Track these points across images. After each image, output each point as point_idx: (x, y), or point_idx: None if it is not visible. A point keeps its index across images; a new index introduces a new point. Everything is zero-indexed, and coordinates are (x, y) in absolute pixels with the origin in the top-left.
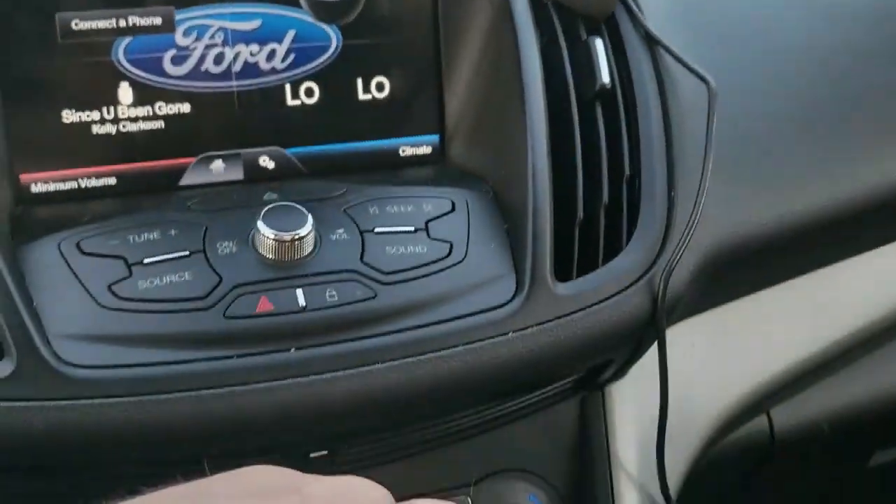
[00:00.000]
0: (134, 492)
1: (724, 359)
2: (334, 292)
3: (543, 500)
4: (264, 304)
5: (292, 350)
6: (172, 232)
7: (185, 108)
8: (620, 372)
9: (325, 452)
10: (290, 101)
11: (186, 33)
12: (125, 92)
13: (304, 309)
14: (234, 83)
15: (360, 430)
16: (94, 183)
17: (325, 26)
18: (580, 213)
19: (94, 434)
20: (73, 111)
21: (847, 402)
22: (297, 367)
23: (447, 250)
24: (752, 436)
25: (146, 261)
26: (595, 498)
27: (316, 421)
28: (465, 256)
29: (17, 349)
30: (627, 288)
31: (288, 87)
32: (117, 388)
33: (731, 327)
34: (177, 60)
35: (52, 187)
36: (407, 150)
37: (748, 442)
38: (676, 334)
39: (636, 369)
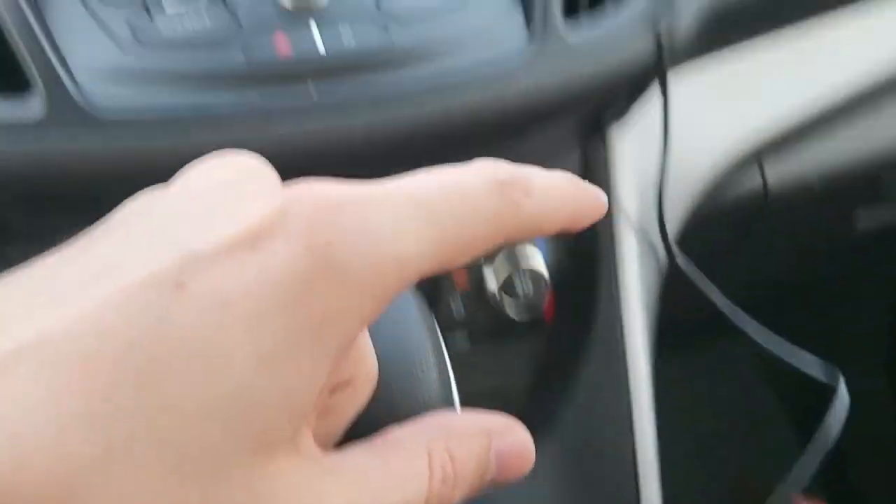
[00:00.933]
0: None
1: (722, 112)
2: (351, 35)
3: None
4: (283, 46)
5: (311, 87)
6: None
7: None
8: (622, 111)
9: None
10: None
11: None
12: None
13: (321, 50)
14: None
15: (379, 168)
16: None
17: None
18: None
19: (124, 173)
20: None
21: (836, 161)
22: (317, 108)
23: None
24: (748, 189)
25: (166, 7)
26: (596, 239)
27: (338, 158)
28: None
29: (45, 87)
30: (634, 26)
31: None
32: (146, 130)
33: (730, 82)
34: None
35: None
36: None
37: (744, 195)
38: (675, 85)
39: (637, 119)
